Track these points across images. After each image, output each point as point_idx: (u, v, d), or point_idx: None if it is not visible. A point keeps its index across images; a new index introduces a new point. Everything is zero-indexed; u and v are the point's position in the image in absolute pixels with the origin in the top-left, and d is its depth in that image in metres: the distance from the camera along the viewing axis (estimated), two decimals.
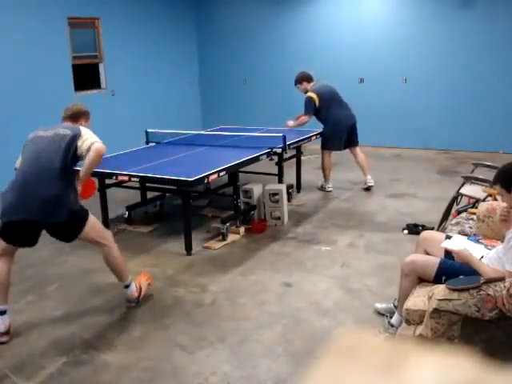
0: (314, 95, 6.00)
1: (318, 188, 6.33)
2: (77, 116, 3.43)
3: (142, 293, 3.55)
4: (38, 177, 3.04)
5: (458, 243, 2.81)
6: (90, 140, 3.14)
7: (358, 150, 6.22)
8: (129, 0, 8.52)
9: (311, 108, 6.03)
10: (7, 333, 3.14)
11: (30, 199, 3.02)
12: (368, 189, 6.13)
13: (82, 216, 3.19)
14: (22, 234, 3.15)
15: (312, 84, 6.13)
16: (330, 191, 6.18)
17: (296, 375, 2.68)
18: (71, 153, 3.12)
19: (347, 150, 6.27)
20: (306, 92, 6.13)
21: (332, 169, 6.31)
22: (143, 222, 5.18)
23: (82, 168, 3.18)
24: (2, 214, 3.08)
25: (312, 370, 0.46)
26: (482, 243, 2.94)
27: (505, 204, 2.61)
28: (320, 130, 6.30)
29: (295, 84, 6.24)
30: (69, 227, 3.16)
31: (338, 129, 6.05)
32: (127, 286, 3.49)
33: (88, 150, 3.10)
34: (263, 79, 9.62)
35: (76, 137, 3.15)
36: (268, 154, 5.21)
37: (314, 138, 6.22)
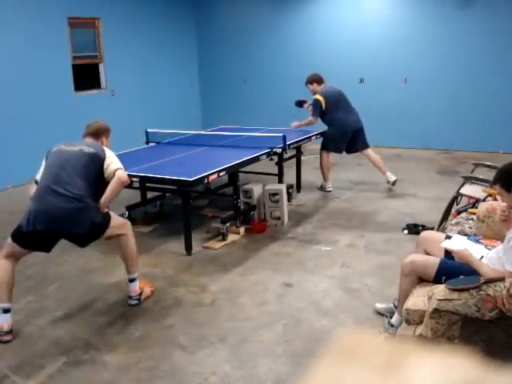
0: (320, 98, 6.03)
1: (317, 188, 6.33)
2: (98, 133, 3.50)
3: (144, 295, 3.56)
4: (62, 189, 3.10)
5: (458, 243, 2.81)
6: (114, 165, 3.24)
7: (370, 151, 6.22)
8: (129, 0, 8.52)
9: (317, 110, 6.06)
10: (10, 332, 3.15)
11: (54, 210, 3.08)
12: (393, 184, 6.09)
13: (103, 226, 3.25)
14: (40, 242, 3.22)
15: (322, 86, 6.14)
16: (329, 191, 6.19)
17: (296, 375, 2.68)
18: (97, 171, 3.22)
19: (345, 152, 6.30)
20: (314, 93, 6.14)
21: (331, 169, 6.32)
22: (143, 222, 5.18)
23: (104, 194, 3.22)
24: (26, 223, 3.11)
25: (312, 370, 0.46)
26: (482, 243, 2.94)
27: (505, 204, 2.61)
28: (320, 131, 6.31)
29: (306, 84, 6.26)
30: (89, 237, 3.25)
31: (341, 132, 6.07)
32: (132, 280, 3.50)
33: (113, 175, 3.20)
34: (263, 79, 9.62)
35: (101, 157, 3.25)
36: (268, 154, 5.21)
37: (314, 138, 6.23)
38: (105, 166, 3.23)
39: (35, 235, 3.15)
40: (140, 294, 3.53)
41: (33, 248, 3.26)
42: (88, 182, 3.18)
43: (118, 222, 3.41)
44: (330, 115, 6.06)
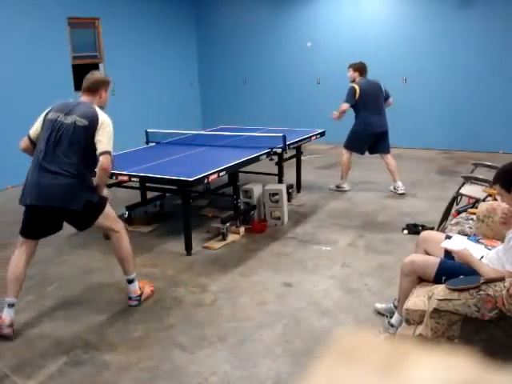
0: (356, 86, 5.90)
1: (331, 189, 6.22)
2: (96, 87, 3.34)
3: (144, 295, 3.56)
4: (56, 166, 3.09)
5: (458, 243, 2.81)
6: (100, 147, 3.13)
7: (389, 157, 6.09)
8: (129, 0, 8.52)
9: (350, 97, 5.90)
10: (11, 326, 3.15)
11: (48, 186, 3.08)
12: (398, 193, 6.00)
13: (98, 207, 3.24)
14: (42, 223, 3.23)
15: (361, 78, 5.99)
16: (347, 190, 6.13)
17: (296, 375, 2.68)
18: (90, 144, 3.14)
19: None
20: (353, 81, 6.02)
21: (351, 169, 6.24)
22: (143, 222, 5.18)
23: (95, 180, 3.22)
24: (21, 195, 3.16)
25: (312, 370, 0.46)
26: (482, 243, 2.94)
27: (505, 205, 2.61)
28: (320, 130, 6.31)
29: (348, 68, 6.09)
30: (85, 216, 3.21)
31: (363, 131, 5.94)
32: (131, 281, 3.49)
33: (99, 155, 3.13)
34: (263, 79, 9.62)
35: (94, 128, 3.14)
36: (268, 154, 5.21)
37: (314, 137, 6.23)
38: (95, 141, 3.13)
39: (33, 216, 3.17)
40: (140, 295, 3.53)
41: (35, 235, 3.26)
42: (82, 156, 3.13)
43: (113, 216, 3.41)
44: (361, 111, 5.93)
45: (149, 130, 6.02)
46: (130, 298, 3.51)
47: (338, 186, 6.23)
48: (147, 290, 3.61)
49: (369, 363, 0.46)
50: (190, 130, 7.08)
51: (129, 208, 5.21)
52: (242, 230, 4.82)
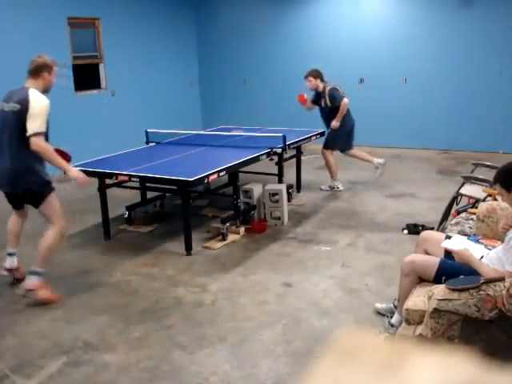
0: (336, 86, 5.97)
1: (321, 189, 6.24)
2: (37, 71, 3.40)
3: (36, 296, 3.49)
4: (3, 152, 3.34)
5: (458, 243, 2.81)
6: (30, 128, 3.24)
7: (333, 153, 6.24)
8: (129, 0, 8.52)
9: (341, 94, 5.94)
10: (10, 270, 3.74)
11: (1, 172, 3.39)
12: (332, 188, 6.17)
13: (39, 191, 3.42)
14: (12, 198, 3.63)
15: (323, 84, 6.04)
16: (341, 190, 6.16)
17: (296, 375, 2.68)
18: (22, 129, 3.26)
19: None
20: (315, 88, 6.06)
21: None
22: (143, 222, 5.18)
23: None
24: None
25: (312, 370, 0.46)
26: (482, 243, 2.94)
27: (505, 204, 2.61)
28: (321, 130, 6.30)
29: (306, 76, 6.09)
30: (28, 199, 3.53)
31: (350, 130, 6.09)
32: (33, 273, 3.47)
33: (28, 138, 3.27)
34: (263, 79, 9.62)
35: (25, 112, 3.24)
36: (268, 154, 5.21)
37: (314, 138, 6.23)
38: (27, 125, 3.25)
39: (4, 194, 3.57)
40: (29, 291, 3.48)
41: (18, 205, 3.70)
42: (22, 141, 3.26)
43: (57, 209, 3.53)
44: (335, 112, 5.97)
45: (149, 130, 6.01)
46: (21, 288, 3.56)
47: (331, 187, 6.24)
48: (42, 292, 3.50)
49: (369, 363, 0.46)
50: (190, 130, 7.08)
51: (129, 208, 5.21)
52: (242, 229, 4.82)
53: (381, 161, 6.31)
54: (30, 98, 3.25)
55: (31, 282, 3.47)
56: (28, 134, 3.22)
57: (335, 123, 5.97)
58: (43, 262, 3.51)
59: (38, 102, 3.26)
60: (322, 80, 6.08)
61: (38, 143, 3.22)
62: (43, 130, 3.26)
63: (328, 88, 6.00)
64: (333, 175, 6.23)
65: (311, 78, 6.07)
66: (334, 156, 6.26)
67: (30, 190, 3.38)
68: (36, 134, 3.21)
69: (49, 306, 3.57)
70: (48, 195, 3.43)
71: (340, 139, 6.14)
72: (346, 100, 5.93)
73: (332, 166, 6.20)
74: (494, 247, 2.79)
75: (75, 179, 3.47)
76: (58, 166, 3.36)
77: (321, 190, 6.26)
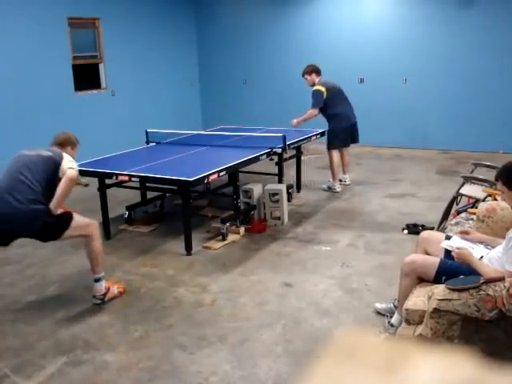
0: (322, 88, 5.93)
1: (322, 189, 6.25)
2: (64, 143, 3.59)
3: (109, 295, 3.58)
4: (18, 192, 3.22)
5: (458, 243, 2.81)
6: (66, 165, 3.32)
7: (349, 150, 6.26)
8: (129, 0, 8.52)
9: (320, 100, 5.93)
10: None
11: (8, 211, 3.20)
12: (329, 189, 6.15)
13: (57, 226, 3.34)
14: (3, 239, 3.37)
15: (320, 78, 6.08)
16: (338, 191, 6.13)
17: (296, 375, 2.68)
18: (52, 174, 3.32)
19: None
20: (312, 85, 6.07)
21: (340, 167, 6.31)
22: (143, 222, 5.18)
23: (55, 195, 3.29)
24: None
25: (312, 370, 0.46)
26: (483, 243, 2.93)
27: (506, 204, 2.61)
28: (321, 130, 6.29)
29: (303, 75, 6.15)
30: (43, 235, 3.35)
31: (344, 125, 6.04)
32: (97, 280, 3.54)
33: (64, 173, 3.30)
34: (263, 79, 9.62)
35: (57, 160, 3.34)
36: (268, 154, 5.21)
37: (314, 137, 6.22)
38: (60, 169, 3.33)
39: None
40: (104, 294, 3.56)
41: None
42: (43, 184, 3.28)
43: (82, 223, 3.48)
44: (333, 109, 5.97)
45: (149, 130, 6.02)
46: (94, 297, 3.55)
47: (329, 187, 6.22)
48: (113, 289, 3.64)
49: (369, 363, 0.46)
50: (190, 130, 7.08)
51: (129, 208, 5.21)
52: (242, 230, 4.82)
53: (337, 187, 6.16)
54: (64, 154, 3.40)
55: (100, 287, 3.55)
56: (64, 168, 3.28)
57: (295, 121, 6.07)
58: (98, 266, 3.55)
59: (72, 161, 3.40)
60: (319, 74, 6.08)
61: (74, 173, 3.30)
62: (75, 169, 3.36)
63: (315, 87, 6.02)
64: (333, 176, 6.22)
65: (307, 76, 6.14)
66: (339, 157, 6.22)
67: (47, 223, 3.28)
68: (73, 168, 3.32)
69: (49, 305, 3.57)
70: (70, 223, 3.38)
71: (334, 137, 6.11)
72: (312, 111, 5.97)
73: (333, 167, 6.17)
74: (493, 247, 2.80)
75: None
76: (60, 201, 3.32)
77: (321, 189, 6.26)
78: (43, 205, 3.25)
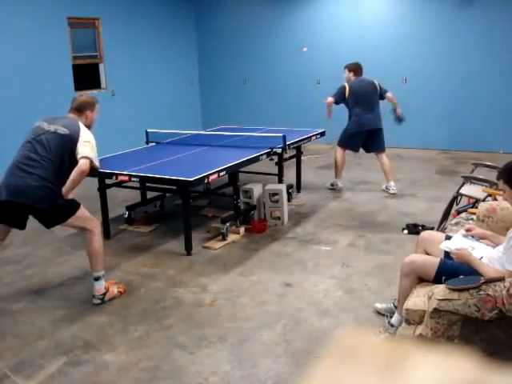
0: (346, 85, 6.01)
1: (326, 188, 6.26)
2: (82, 108, 3.54)
3: (109, 295, 3.56)
4: (32, 168, 3.24)
5: (458, 243, 2.81)
6: (81, 151, 3.27)
7: (383, 156, 6.13)
8: (129, 0, 8.52)
9: (338, 94, 6.00)
10: None
11: (22, 185, 3.23)
12: (391, 193, 6.03)
13: (65, 209, 3.35)
14: (10, 215, 3.38)
15: (355, 77, 6.06)
16: (340, 189, 6.17)
17: (296, 375, 2.68)
18: (68, 153, 3.30)
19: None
20: (348, 81, 6.12)
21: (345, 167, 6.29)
22: (143, 222, 5.18)
23: (66, 183, 3.29)
24: None
25: (312, 370, 0.46)
26: (483, 243, 2.93)
27: (506, 204, 2.61)
28: (321, 130, 6.31)
29: (345, 67, 6.18)
30: (51, 216, 3.35)
31: (356, 129, 6.02)
32: (96, 279, 3.53)
33: (78, 160, 3.27)
34: (263, 79, 9.62)
35: (75, 138, 3.30)
36: (268, 154, 5.21)
37: (314, 137, 6.23)
38: (78, 145, 3.28)
39: (3, 208, 3.30)
40: (104, 294, 3.54)
41: (6, 222, 3.41)
42: (57, 163, 3.27)
43: (86, 216, 3.48)
44: (351, 109, 6.03)
45: (149, 130, 6.02)
46: (94, 296, 3.54)
47: (332, 185, 6.26)
48: (113, 290, 3.61)
49: (369, 363, 0.46)
50: (190, 130, 7.08)
51: (129, 208, 5.21)
52: (242, 230, 4.82)
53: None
54: (81, 130, 3.35)
55: (99, 286, 3.53)
56: (80, 155, 3.25)
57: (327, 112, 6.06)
58: (98, 264, 3.53)
59: (90, 136, 3.37)
60: (356, 74, 6.08)
61: (87, 165, 3.26)
62: (93, 157, 3.32)
63: (342, 84, 6.07)
64: (336, 175, 6.24)
65: (345, 70, 6.16)
66: (344, 156, 6.20)
67: (57, 203, 3.28)
68: (87, 158, 3.27)
69: (49, 305, 3.57)
70: (77, 210, 3.40)
71: (345, 138, 6.12)
72: (329, 98, 6.00)
73: (337, 165, 6.19)
74: (493, 247, 2.79)
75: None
76: (71, 188, 3.31)
77: (326, 188, 6.27)
78: (53, 185, 3.25)
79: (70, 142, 3.29)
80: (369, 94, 6.06)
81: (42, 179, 3.23)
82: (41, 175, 3.23)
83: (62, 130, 3.32)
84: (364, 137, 6.06)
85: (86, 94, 3.66)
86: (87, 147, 3.30)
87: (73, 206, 3.39)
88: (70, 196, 3.37)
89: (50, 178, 3.25)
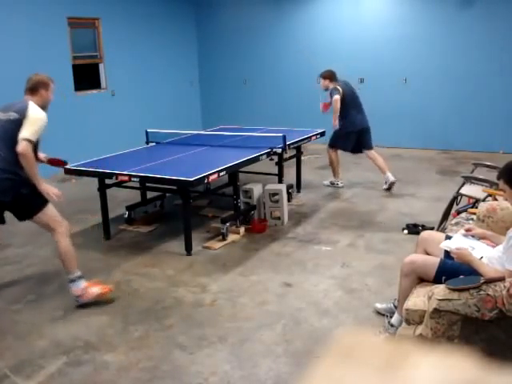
0: (339, 87, 6.04)
1: (325, 185, 6.34)
2: (36, 87, 3.46)
3: (86, 296, 3.50)
4: None
5: (458, 243, 2.80)
6: (22, 133, 3.21)
7: (373, 152, 6.23)
8: (129, 0, 8.52)
9: (337, 93, 6.01)
10: None
11: None
12: (390, 187, 6.06)
13: (33, 201, 3.34)
14: None
15: (334, 84, 6.11)
16: (341, 187, 6.25)
17: (296, 375, 2.68)
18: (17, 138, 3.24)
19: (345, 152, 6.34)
20: (326, 89, 6.17)
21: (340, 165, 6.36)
22: (143, 222, 5.18)
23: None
24: None
25: (312, 370, 0.46)
26: (483, 243, 2.93)
27: (506, 204, 2.61)
28: (320, 130, 6.32)
29: (320, 76, 6.25)
30: (18, 207, 3.36)
31: (350, 130, 6.11)
32: (71, 281, 3.49)
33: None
34: (263, 79, 9.62)
35: (21, 121, 3.25)
36: (268, 154, 5.21)
37: (314, 137, 6.23)
38: (21, 130, 3.23)
39: None
40: (80, 296, 3.49)
41: None
42: (15, 151, 3.22)
43: (54, 215, 3.46)
44: (342, 111, 6.05)
45: (149, 130, 6.02)
46: (74, 296, 3.52)
47: (331, 182, 6.37)
48: (92, 291, 3.53)
49: (369, 363, 0.46)
50: (190, 130, 7.08)
51: (129, 208, 5.21)
52: (242, 230, 4.82)
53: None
54: (29, 109, 3.29)
55: (75, 288, 3.50)
56: (19, 137, 3.20)
57: (333, 123, 6.08)
58: (70, 266, 3.50)
59: (36, 114, 3.29)
60: (332, 80, 6.14)
61: (24, 147, 3.19)
62: (33, 139, 3.24)
63: (331, 86, 6.10)
64: (334, 174, 6.35)
65: (321, 79, 6.24)
66: (338, 156, 6.30)
67: (21, 194, 3.29)
68: (26, 140, 3.20)
69: (49, 305, 3.57)
70: (44, 206, 3.38)
71: (338, 138, 6.18)
72: (336, 97, 5.99)
73: (334, 166, 6.31)
74: (493, 247, 2.79)
75: (45, 194, 3.39)
76: (32, 177, 3.28)
77: (324, 185, 6.36)
78: (15, 175, 3.25)
79: (19, 126, 3.23)
80: (356, 95, 6.22)
81: (3, 171, 3.24)
82: (1, 168, 3.24)
83: (13, 116, 3.29)
84: (355, 136, 6.18)
85: (40, 74, 3.56)
86: (27, 129, 3.22)
87: (41, 200, 3.37)
88: (44, 188, 3.32)
89: (11, 169, 3.24)
